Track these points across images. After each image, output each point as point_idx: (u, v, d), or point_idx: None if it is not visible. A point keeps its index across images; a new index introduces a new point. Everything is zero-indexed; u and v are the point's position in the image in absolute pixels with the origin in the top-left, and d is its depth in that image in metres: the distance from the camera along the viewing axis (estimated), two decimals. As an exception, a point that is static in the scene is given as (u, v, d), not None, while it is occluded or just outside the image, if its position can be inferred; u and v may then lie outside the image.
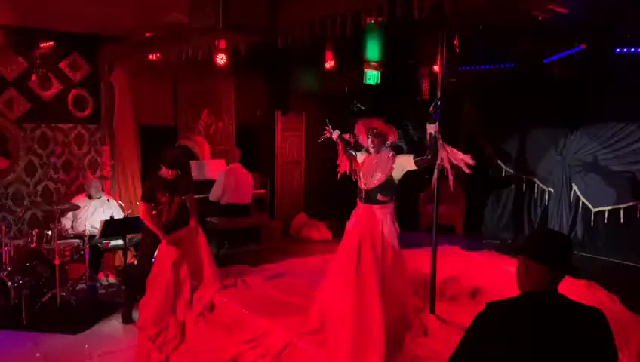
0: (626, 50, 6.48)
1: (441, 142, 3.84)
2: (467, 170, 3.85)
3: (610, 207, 6.91)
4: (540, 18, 4.03)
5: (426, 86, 8.39)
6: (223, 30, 3.35)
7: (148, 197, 5.04)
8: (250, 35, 3.52)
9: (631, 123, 6.65)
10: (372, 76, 8.23)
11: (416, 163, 3.95)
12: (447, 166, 3.86)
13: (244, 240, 7.24)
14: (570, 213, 7.37)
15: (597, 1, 4.61)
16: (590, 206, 7.12)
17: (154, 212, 5.06)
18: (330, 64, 8.05)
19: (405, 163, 4.02)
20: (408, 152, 4.21)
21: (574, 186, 7.32)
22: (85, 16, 5.45)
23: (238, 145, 7.66)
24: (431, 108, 3.91)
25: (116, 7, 4.78)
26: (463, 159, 3.85)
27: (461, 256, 6.65)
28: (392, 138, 4.14)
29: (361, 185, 4.16)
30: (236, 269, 5.95)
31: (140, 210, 5.19)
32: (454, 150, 3.90)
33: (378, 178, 4.05)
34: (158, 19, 4.54)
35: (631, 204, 6.71)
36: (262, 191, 7.66)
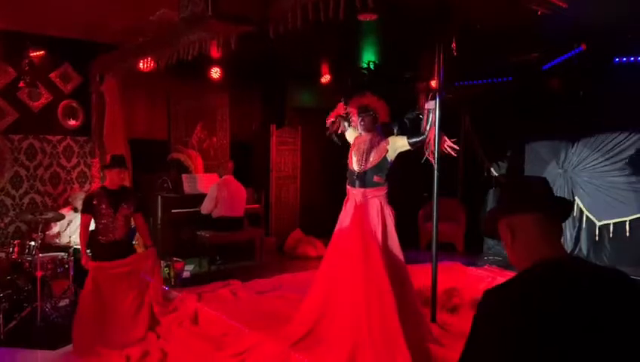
0: (625, 59, 6.40)
1: (434, 120, 3.93)
2: (453, 154, 3.98)
3: (615, 220, 6.70)
4: (539, 13, 3.91)
5: (423, 101, 8.30)
6: (212, 17, 3.22)
7: (85, 208, 4.72)
8: (241, 24, 3.39)
9: (633, 133, 6.50)
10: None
11: (410, 144, 3.96)
12: (433, 147, 3.92)
13: (238, 256, 6.98)
14: (574, 228, 7.15)
15: (596, 5, 4.53)
16: (594, 219, 6.91)
17: (100, 226, 4.73)
18: (326, 78, 8.01)
19: (399, 144, 4.00)
20: (400, 134, 4.11)
21: (577, 200, 7.12)
22: (77, 17, 5.31)
23: (232, 159, 7.50)
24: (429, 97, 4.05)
25: (109, 4, 4.66)
26: (449, 145, 3.94)
27: (462, 271, 6.45)
28: (383, 117, 4.08)
29: (354, 167, 4.05)
30: (225, 284, 5.70)
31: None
32: (443, 136, 3.97)
33: (372, 159, 3.98)
34: (149, 18, 4.42)
35: (637, 216, 6.50)
36: (256, 206, 7.46)
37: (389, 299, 3.60)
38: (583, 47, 5.29)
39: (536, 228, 1.40)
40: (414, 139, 3.94)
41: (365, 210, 3.92)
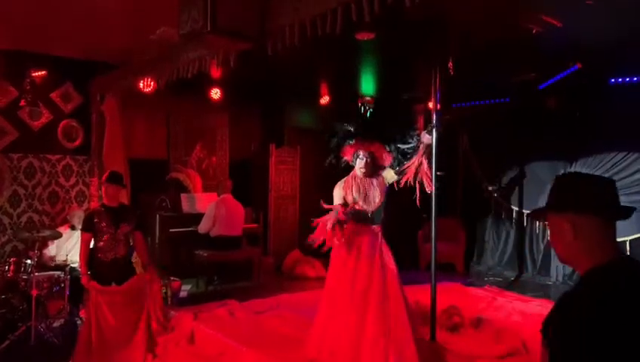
0: (620, 80, 6.47)
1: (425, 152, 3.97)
2: (428, 187, 4.00)
3: (615, 240, 6.66)
4: (534, 31, 3.97)
5: (421, 122, 8.37)
6: (211, 33, 3.26)
7: (86, 226, 4.71)
8: (240, 40, 3.43)
9: (631, 152, 6.53)
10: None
11: (396, 173, 4.05)
12: (411, 174, 3.94)
13: (235, 276, 6.92)
14: (575, 248, 7.11)
15: (591, 25, 4.59)
16: (594, 240, 6.87)
17: (100, 244, 4.70)
18: (325, 99, 8.08)
19: (389, 176, 4.06)
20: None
21: (577, 220, 7.10)
22: (78, 36, 5.38)
23: (231, 178, 7.51)
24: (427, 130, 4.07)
25: (110, 23, 4.72)
26: (428, 176, 3.99)
27: (463, 291, 6.40)
28: (382, 160, 4.10)
29: (363, 207, 3.99)
30: (222, 303, 5.64)
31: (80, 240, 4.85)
32: (425, 162, 3.99)
33: (378, 199, 4.01)
34: (150, 37, 4.47)
35: (637, 236, 6.48)
36: (255, 225, 7.43)
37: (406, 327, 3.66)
38: (579, 65, 5.36)
39: (600, 231, 1.39)
40: (399, 168, 4.04)
41: (373, 244, 3.94)
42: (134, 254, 5.53)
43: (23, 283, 5.19)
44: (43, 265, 5.64)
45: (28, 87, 6.00)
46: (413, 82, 7.07)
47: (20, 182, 6.34)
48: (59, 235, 5.59)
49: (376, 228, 4.02)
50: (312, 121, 8.33)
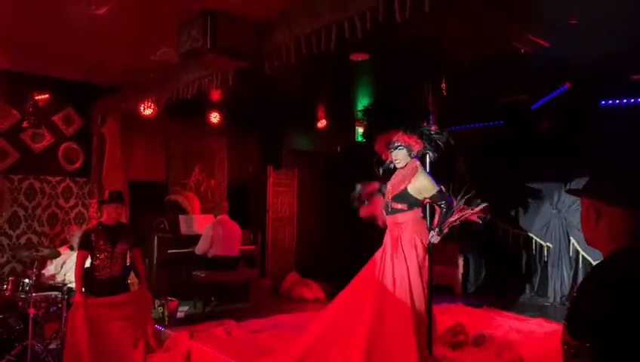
0: (610, 102, 6.62)
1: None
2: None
3: (611, 260, 6.67)
4: (522, 51, 4.11)
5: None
6: (211, 51, 3.38)
7: (83, 244, 4.72)
8: (239, 58, 3.55)
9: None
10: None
11: (432, 198, 3.99)
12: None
13: (233, 297, 6.90)
14: (571, 268, 7.14)
15: (578, 46, 4.74)
16: (591, 259, 6.89)
17: (97, 262, 4.72)
18: (322, 123, 8.23)
19: (424, 190, 3.94)
20: (435, 162, 4.14)
21: (573, 240, 7.15)
22: (79, 58, 5.51)
23: (229, 200, 7.56)
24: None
25: (111, 45, 4.86)
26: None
27: (465, 311, 6.42)
28: (418, 147, 3.98)
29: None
30: (220, 323, 5.62)
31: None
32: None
33: (396, 188, 3.99)
34: (150, 58, 4.61)
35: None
36: (252, 247, 7.45)
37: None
38: (568, 85, 5.49)
39: (628, 220, 1.36)
40: (439, 203, 4.01)
41: (388, 241, 3.99)
42: (131, 275, 5.55)
43: (20, 303, 5.18)
44: (41, 284, 5.64)
45: (31, 110, 6.11)
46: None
47: (20, 203, 6.39)
48: (58, 254, 5.61)
49: (389, 218, 4.00)
50: (309, 144, 8.45)
